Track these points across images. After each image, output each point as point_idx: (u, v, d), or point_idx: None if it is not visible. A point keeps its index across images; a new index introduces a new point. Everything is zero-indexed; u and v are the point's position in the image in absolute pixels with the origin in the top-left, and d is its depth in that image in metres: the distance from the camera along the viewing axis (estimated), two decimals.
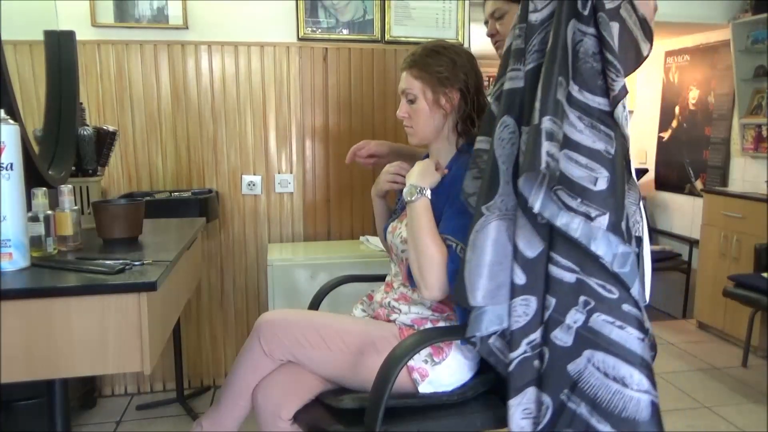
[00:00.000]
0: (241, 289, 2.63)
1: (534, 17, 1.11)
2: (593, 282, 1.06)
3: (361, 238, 2.60)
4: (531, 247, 1.10)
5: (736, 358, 3.04)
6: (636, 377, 1.05)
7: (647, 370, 1.05)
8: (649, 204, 4.27)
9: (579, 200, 1.03)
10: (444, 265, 1.24)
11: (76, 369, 1.11)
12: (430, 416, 1.26)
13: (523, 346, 1.11)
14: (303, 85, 2.55)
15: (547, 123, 1.04)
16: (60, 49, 1.86)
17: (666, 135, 4.15)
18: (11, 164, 1.14)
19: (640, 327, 1.06)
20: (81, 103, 1.95)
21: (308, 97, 2.56)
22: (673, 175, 4.09)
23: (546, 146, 1.03)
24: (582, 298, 1.06)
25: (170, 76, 2.44)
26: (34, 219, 1.29)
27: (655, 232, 4.22)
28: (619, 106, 1.04)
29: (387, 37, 2.57)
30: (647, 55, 1.07)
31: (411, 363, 1.29)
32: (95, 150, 1.87)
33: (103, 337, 1.10)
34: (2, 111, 1.15)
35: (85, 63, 2.33)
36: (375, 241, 2.49)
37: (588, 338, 1.06)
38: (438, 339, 1.28)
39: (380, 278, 1.62)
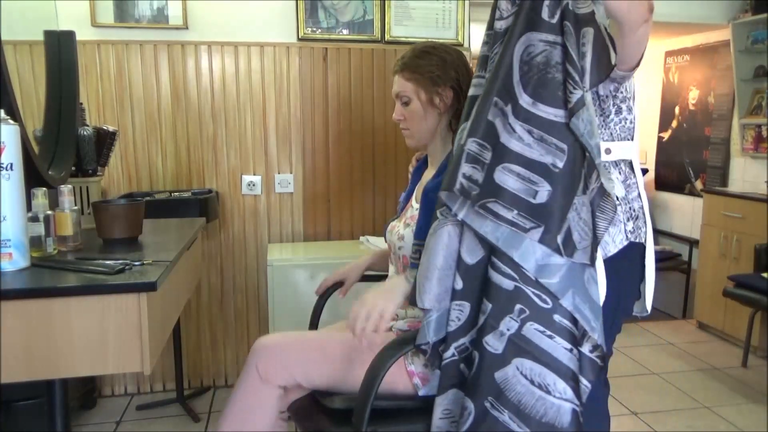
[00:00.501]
0: (241, 289, 2.63)
1: (499, 24, 1.09)
2: (530, 291, 1.06)
3: (361, 238, 2.60)
4: (471, 254, 1.10)
5: (736, 358, 3.04)
6: (560, 386, 1.06)
7: (572, 381, 1.07)
8: (649, 204, 4.26)
9: (515, 212, 1.03)
10: None
11: (76, 369, 1.11)
12: (425, 417, 1.26)
13: (452, 350, 1.12)
14: (303, 85, 2.55)
15: (471, 145, 1.04)
16: (60, 49, 1.86)
17: (666, 135, 4.15)
18: (11, 164, 1.14)
19: (570, 338, 1.06)
20: (81, 103, 1.95)
21: (308, 97, 2.56)
22: (673, 175, 4.09)
23: (464, 168, 1.04)
24: (518, 306, 1.06)
25: (170, 76, 2.44)
26: (34, 219, 1.29)
27: (655, 232, 4.21)
28: (581, 115, 1.01)
29: (387, 37, 2.57)
30: (615, 65, 1.05)
31: (411, 368, 1.29)
32: (95, 150, 1.87)
33: (103, 337, 1.10)
34: (2, 111, 1.15)
35: (85, 63, 2.33)
36: (375, 242, 2.49)
37: (519, 346, 1.06)
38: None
39: (380, 278, 1.63)
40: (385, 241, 1.59)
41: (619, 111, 1.28)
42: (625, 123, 1.30)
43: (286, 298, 2.29)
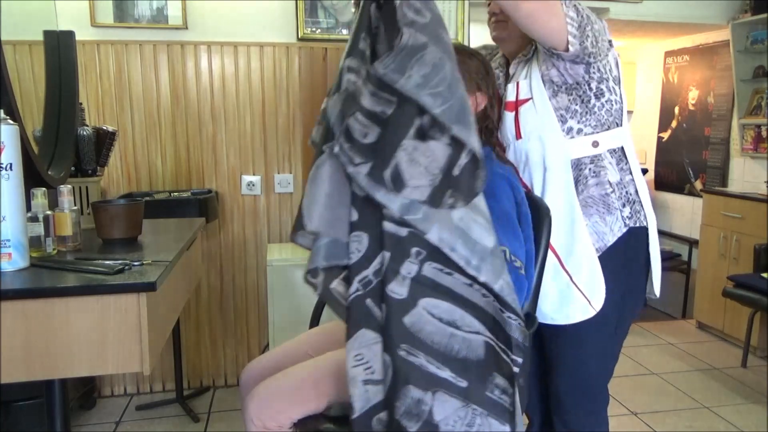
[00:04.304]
0: (241, 289, 2.63)
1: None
2: None
3: None
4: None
5: (735, 358, 3.04)
6: (467, 320, 1.06)
7: (478, 312, 1.08)
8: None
9: (348, 146, 1.08)
10: None
11: (75, 369, 1.11)
12: None
13: (356, 284, 1.09)
14: (303, 85, 2.55)
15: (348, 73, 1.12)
16: (59, 49, 1.86)
17: (666, 135, 4.15)
18: (11, 164, 1.14)
19: (463, 273, 1.07)
20: (80, 103, 1.95)
21: (308, 97, 2.56)
22: (672, 175, 4.09)
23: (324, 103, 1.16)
24: (414, 249, 1.07)
25: (170, 77, 2.44)
26: (34, 219, 1.29)
27: None
28: (411, 72, 1.07)
29: None
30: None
31: None
32: (94, 150, 1.87)
33: (102, 337, 1.10)
34: (2, 111, 1.15)
35: (84, 63, 2.33)
36: None
37: (422, 287, 1.07)
38: None
39: None
40: None
41: (600, 94, 1.25)
42: (612, 105, 1.27)
43: (285, 298, 2.29)
